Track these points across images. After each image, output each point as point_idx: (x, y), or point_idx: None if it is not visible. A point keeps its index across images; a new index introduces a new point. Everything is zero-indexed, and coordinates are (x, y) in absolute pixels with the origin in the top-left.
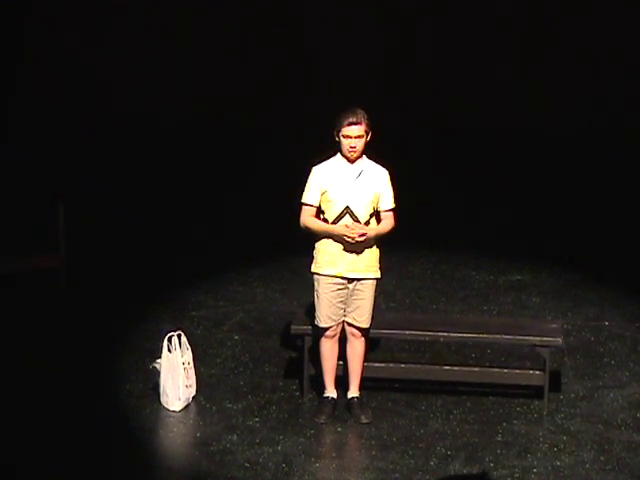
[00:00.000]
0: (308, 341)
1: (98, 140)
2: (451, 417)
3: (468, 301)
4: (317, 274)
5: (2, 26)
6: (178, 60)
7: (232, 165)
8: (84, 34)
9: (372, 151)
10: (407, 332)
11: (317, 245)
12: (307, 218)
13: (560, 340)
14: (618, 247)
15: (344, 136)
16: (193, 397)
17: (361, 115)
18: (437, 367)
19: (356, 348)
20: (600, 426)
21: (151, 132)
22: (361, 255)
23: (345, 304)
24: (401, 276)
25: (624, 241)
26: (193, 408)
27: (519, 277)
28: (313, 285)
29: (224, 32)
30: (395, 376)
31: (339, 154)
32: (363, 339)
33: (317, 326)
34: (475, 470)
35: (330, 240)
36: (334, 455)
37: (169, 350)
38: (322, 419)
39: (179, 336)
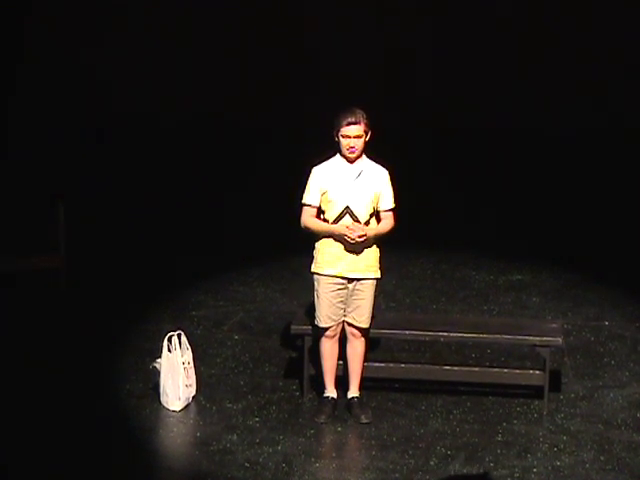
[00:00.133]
0: (308, 341)
1: (98, 140)
2: (451, 417)
3: (468, 301)
4: (317, 274)
5: (2, 26)
6: (178, 60)
7: (232, 165)
8: (84, 34)
9: (372, 151)
10: (407, 332)
11: (317, 245)
12: (307, 218)
13: (560, 340)
14: (618, 247)
15: (343, 136)
16: (193, 397)
17: (360, 115)
18: (437, 367)
19: (356, 348)
20: (600, 426)
21: (151, 132)
22: (361, 255)
23: (345, 304)
24: (401, 276)
25: (624, 241)
26: (193, 408)
27: (519, 277)
28: (313, 285)
29: (224, 32)
30: (395, 376)
31: (339, 154)
32: (363, 339)
33: (317, 326)
34: (475, 470)
35: (330, 240)
36: (334, 455)
37: (169, 350)
38: (322, 419)
39: (179, 336)
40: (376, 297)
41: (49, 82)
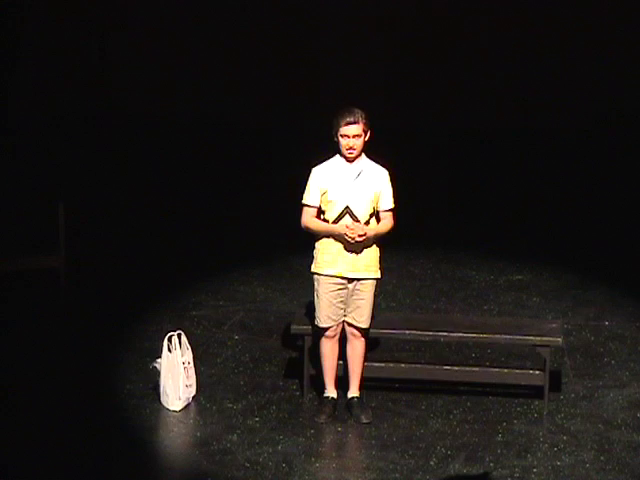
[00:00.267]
0: (308, 341)
1: (99, 140)
2: (451, 417)
3: (468, 301)
4: (317, 274)
5: (2, 25)
6: (178, 60)
7: (232, 165)
8: (84, 34)
9: (372, 151)
10: (407, 332)
11: (317, 245)
12: (308, 219)
13: (560, 340)
14: (618, 247)
15: (342, 136)
16: (193, 397)
17: (359, 114)
18: (437, 367)
19: (356, 348)
20: (600, 426)
21: (151, 132)
22: (361, 255)
23: (345, 304)
24: (401, 276)
25: (624, 241)
26: (193, 408)
27: (519, 277)
28: (313, 285)
29: (224, 32)
30: (395, 376)
31: (338, 154)
32: (363, 339)
33: (317, 326)
34: (475, 470)
35: (330, 240)
36: (334, 455)
37: (169, 350)
38: (322, 419)
39: (179, 336)
40: (376, 297)
41: (49, 82)
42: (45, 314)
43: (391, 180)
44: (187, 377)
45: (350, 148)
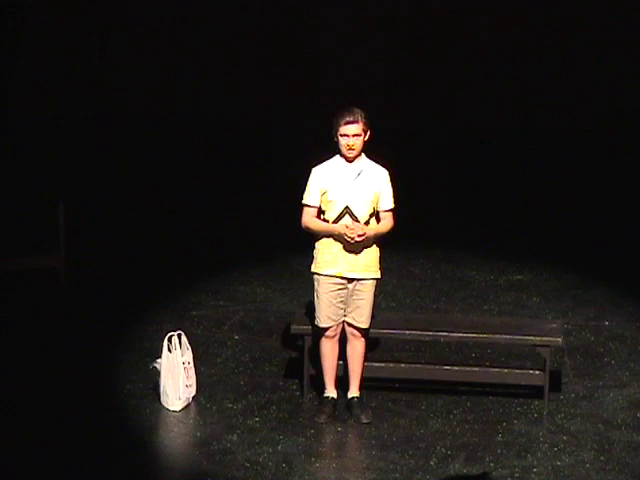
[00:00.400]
0: (308, 341)
1: (98, 140)
2: (451, 417)
3: (468, 301)
4: (317, 274)
5: (2, 25)
6: (178, 60)
7: (232, 165)
8: (84, 34)
9: (372, 151)
10: (407, 332)
11: (317, 245)
12: (308, 219)
13: (560, 340)
14: (618, 247)
15: (342, 135)
16: (193, 397)
17: (358, 114)
18: (437, 367)
19: (356, 348)
20: (600, 426)
21: (151, 132)
22: (361, 255)
23: (345, 304)
24: (401, 276)
25: (624, 241)
26: (193, 408)
27: (519, 277)
28: (313, 285)
29: (224, 32)
30: (395, 376)
31: (338, 154)
32: (363, 339)
33: (317, 326)
34: (475, 470)
35: (330, 240)
36: (334, 455)
37: (169, 350)
38: (322, 419)
39: (179, 336)
40: (376, 297)
41: (49, 82)
42: (45, 314)
43: (391, 180)
44: (187, 377)
45: (350, 147)
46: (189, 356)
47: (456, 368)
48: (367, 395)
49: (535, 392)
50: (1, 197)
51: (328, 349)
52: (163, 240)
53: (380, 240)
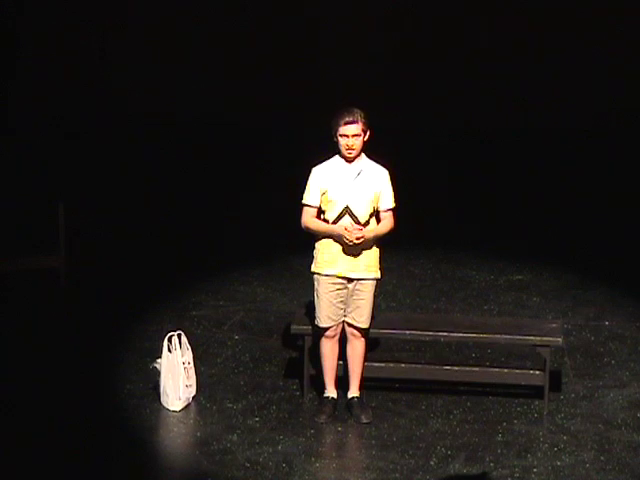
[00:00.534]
0: (308, 341)
1: (99, 140)
2: (451, 417)
3: (468, 301)
4: (317, 274)
5: (2, 25)
6: (178, 60)
7: (232, 165)
8: (84, 34)
9: (372, 151)
10: (407, 332)
11: (317, 245)
12: (308, 219)
13: (560, 340)
14: (618, 247)
15: (341, 135)
16: (193, 397)
17: (357, 114)
18: (437, 367)
19: (356, 348)
20: (600, 426)
21: (151, 132)
22: (361, 255)
23: (345, 304)
24: (401, 276)
25: (624, 241)
26: (193, 408)
27: (519, 277)
28: (313, 285)
29: (224, 32)
30: (395, 376)
31: (338, 155)
32: (363, 339)
33: (317, 326)
34: (475, 470)
35: (330, 240)
36: (334, 455)
37: (169, 350)
38: (322, 419)
39: (179, 336)
40: (376, 297)
41: (49, 82)
42: (45, 314)
43: (391, 180)
44: (187, 377)
45: (349, 148)
46: (189, 356)
47: (456, 368)
48: (367, 395)
49: (535, 392)
50: (1, 197)
51: (328, 349)
52: (163, 240)
53: (380, 240)
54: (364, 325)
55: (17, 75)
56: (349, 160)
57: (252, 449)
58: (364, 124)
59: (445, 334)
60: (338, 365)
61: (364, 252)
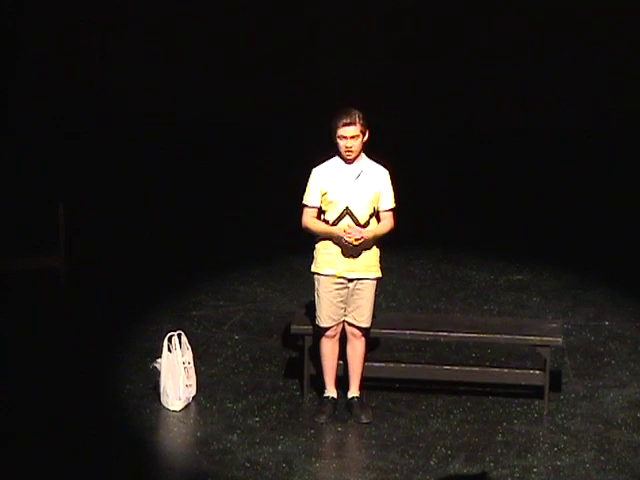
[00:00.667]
0: (308, 341)
1: (99, 140)
2: (451, 417)
3: (468, 301)
4: (317, 274)
5: (2, 25)
6: (178, 60)
7: (232, 165)
8: (84, 34)
9: (372, 151)
10: (407, 332)
11: (317, 245)
12: (308, 220)
13: (560, 340)
14: (618, 247)
15: (340, 137)
16: (193, 397)
17: (355, 115)
18: (437, 367)
19: (356, 348)
20: (600, 426)
21: (151, 132)
22: (361, 255)
23: (345, 303)
24: (401, 276)
25: (624, 241)
26: (193, 408)
27: (519, 277)
28: (313, 285)
29: (224, 32)
30: (395, 376)
31: (338, 155)
32: (363, 339)
33: (318, 326)
34: (475, 470)
35: (330, 240)
36: (334, 455)
37: (169, 350)
38: (322, 419)
39: (179, 336)
40: (377, 297)
41: (49, 82)
42: (45, 314)
43: (391, 180)
44: (187, 377)
45: (348, 149)
46: (189, 356)
47: (456, 368)
48: (367, 395)
49: (535, 392)
50: (1, 197)
51: (328, 349)
52: (163, 240)
53: (380, 240)
54: (365, 325)
55: (17, 75)
56: (349, 161)
57: (252, 449)
58: (362, 125)
59: (445, 334)
60: (338, 365)
61: (364, 252)
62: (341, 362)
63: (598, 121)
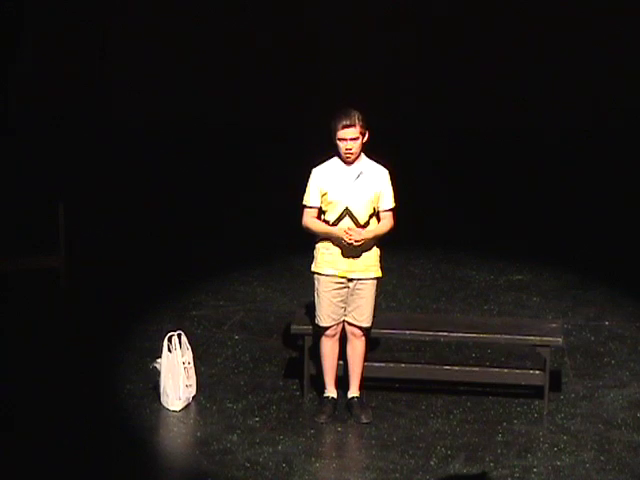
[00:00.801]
0: (308, 341)
1: (99, 140)
2: (451, 417)
3: (468, 301)
4: (317, 274)
5: (2, 26)
6: (178, 60)
7: (232, 165)
8: (84, 34)
9: (372, 151)
10: (407, 332)
11: (317, 245)
12: (308, 220)
13: (560, 340)
14: (618, 247)
15: (339, 139)
16: (193, 397)
17: (355, 117)
18: (437, 367)
19: (356, 348)
20: (600, 426)
21: (151, 132)
22: (361, 255)
23: (345, 303)
24: (401, 276)
25: (624, 241)
26: (193, 408)
27: (519, 277)
28: (313, 285)
29: (224, 32)
30: (395, 376)
31: (337, 156)
32: (363, 339)
33: (318, 325)
34: (475, 470)
35: (331, 240)
36: (334, 455)
37: (169, 350)
38: (322, 419)
39: (179, 336)
40: (377, 296)
41: (49, 82)
42: (45, 314)
43: (391, 180)
44: (187, 377)
45: (348, 151)
46: (189, 356)
47: (456, 368)
48: (367, 395)
49: (535, 392)
50: (1, 197)
51: (328, 349)
52: (163, 240)
53: (380, 240)
54: (365, 324)
55: (17, 75)
56: (349, 162)
57: (252, 449)
58: (362, 127)
59: (445, 334)
60: (338, 365)
61: (364, 252)
62: (341, 362)
63: (598, 121)
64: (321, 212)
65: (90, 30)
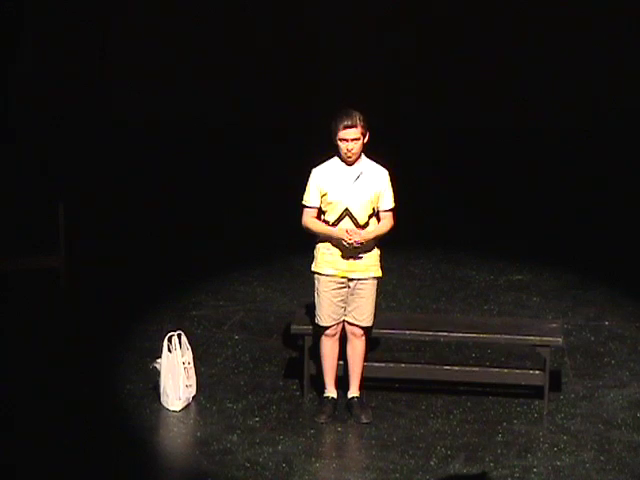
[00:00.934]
0: (308, 341)
1: (99, 140)
2: (451, 417)
3: (468, 301)
4: (317, 274)
5: (2, 26)
6: (178, 60)
7: (232, 165)
8: (84, 34)
9: (372, 151)
10: (407, 332)
11: (318, 245)
12: (308, 220)
13: (560, 340)
14: (618, 247)
15: (340, 140)
16: (193, 397)
17: (356, 117)
18: (437, 367)
19: (356, 348)
20: (600, 426)
21: (151, 132)
22: (361, 255)
23: (345, 303)
24: (401, 276)
25: (624, 241)
26: (193, 408)
27: (519, 277)
28: (313, 285)
29: (224, 32)
30: (395, 376)
31: (338, 156)
32: (363, 339)
33: (318, 325)
34: (475, 470)
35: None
36: (334, 455)
37: (169, 350)
38: (322, 419)
39: (179, 336)
40: (377, 296)
41: (49, 83)
42: (45, 314)
43: (391, 180)
44: (187, 377)
45: (349, 152)
46: (189, 356)
47: (456, 368)
48: (367, 395)
49: (535, 392)
50: (1, 197)
51: (328, 349)
52: (163, 240)
53: (380, 240)
54: (365, 324)
55: (17, 75)
56: (349, 162)
57: (252, 449)
58: (363, 127)
59: (445, 334)
60: (338, 365)
61: (364, 252)
62: (341, 362)
63: (598, 121)
64: (321, 212)
65: (90, 30)
